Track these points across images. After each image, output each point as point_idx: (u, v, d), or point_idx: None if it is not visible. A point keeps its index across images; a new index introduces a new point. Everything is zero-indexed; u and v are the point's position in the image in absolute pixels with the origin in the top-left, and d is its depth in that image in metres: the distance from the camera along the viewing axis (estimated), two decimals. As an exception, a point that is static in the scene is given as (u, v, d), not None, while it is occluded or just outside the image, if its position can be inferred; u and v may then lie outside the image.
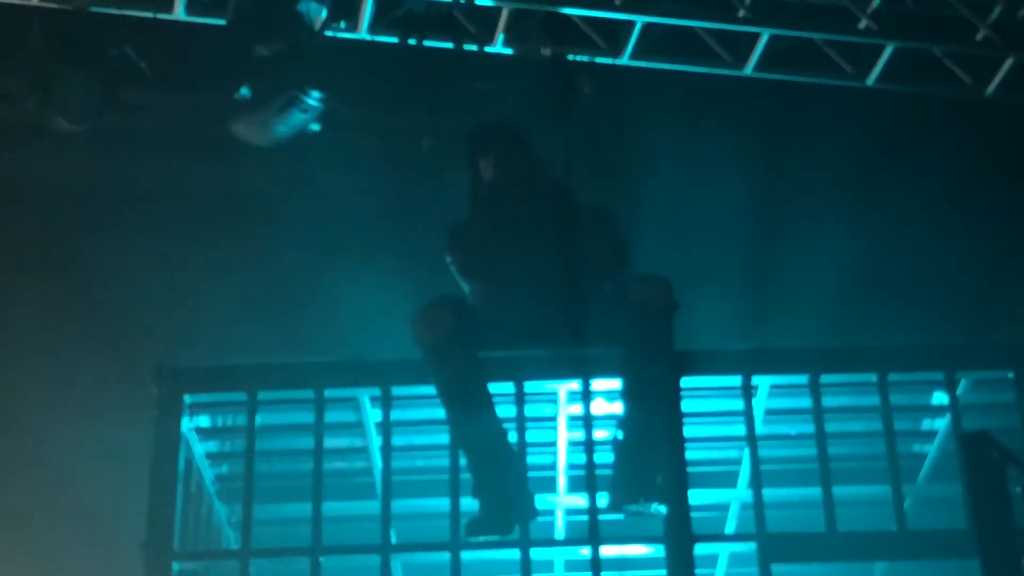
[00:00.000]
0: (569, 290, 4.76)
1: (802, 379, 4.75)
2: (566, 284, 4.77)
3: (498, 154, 5.04)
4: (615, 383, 4.69)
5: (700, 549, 4.53)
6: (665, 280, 4.64)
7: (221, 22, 6.72)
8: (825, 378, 4.74)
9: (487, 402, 4.59)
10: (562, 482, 5.22)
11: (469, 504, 4.56)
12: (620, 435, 4.59)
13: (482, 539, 4.51)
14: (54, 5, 6.69)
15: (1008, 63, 7.23)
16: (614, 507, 4.54)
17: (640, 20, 7.04)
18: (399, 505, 4.74)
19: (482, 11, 7.05)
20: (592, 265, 4.83)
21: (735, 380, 4.75)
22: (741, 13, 7.05)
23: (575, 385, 4.75)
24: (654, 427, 4.57)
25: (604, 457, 4.79)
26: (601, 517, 4.58)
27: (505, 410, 4.65)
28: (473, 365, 4.59)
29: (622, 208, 6.43)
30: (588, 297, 4.74)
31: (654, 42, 7.16)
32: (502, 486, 4.53)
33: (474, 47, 7.06)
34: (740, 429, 4.79)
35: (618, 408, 4.73)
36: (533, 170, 5.07)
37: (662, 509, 4.49)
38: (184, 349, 6.04)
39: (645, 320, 4.57)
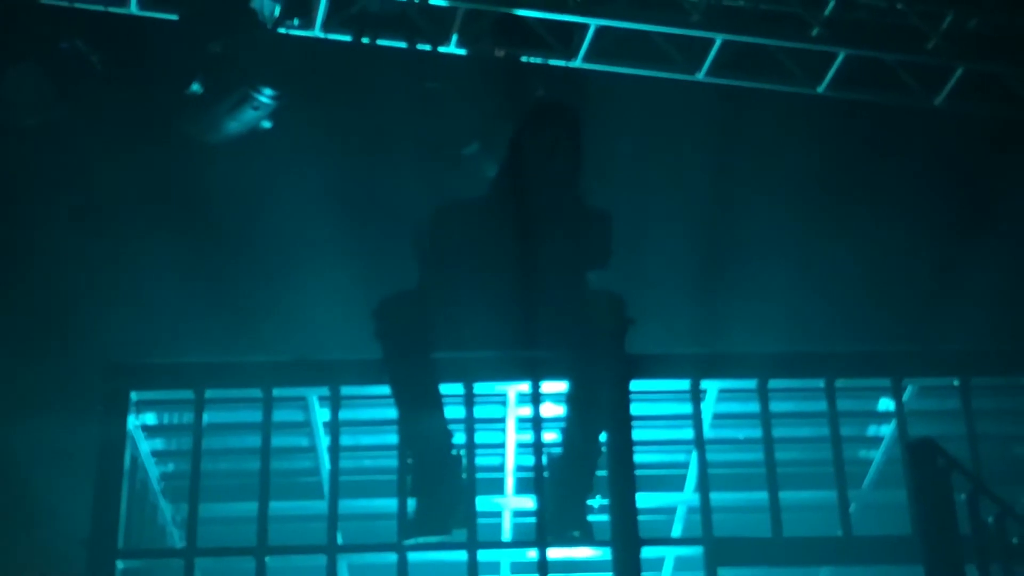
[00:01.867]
0: (529, 294, 4.75)
1: (750, 384, 4.77)
2: (529, 287, 4.76)
3: (550, 143, 4.94)
4: (564, 386, 4.70)
5: (647, 552, 4.54)
6: (619, 299, 4.65)
7: (174, 17, 6.69)
8: (773, 383, 4.76)
9: (437, 402, 4.58)
10: (510, 484, 5.22)
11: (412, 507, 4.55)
12: (558, 450, 4.60)
13: (419, 540, 4.50)
14: (4, -3, 6.65)
15: (958, 72, 7.29)
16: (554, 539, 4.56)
17: (594, 23, 7.05)
18: (346, 505, 4.72)
19: (436, 11, 7.04)
20: (573, 268, 4.84)
21: (684, 384, 4.76)
22: (694, 18, 7.07)
23: (524, 387, 4.75)
24: (592, 442, 4.58)
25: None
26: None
27: (454, 411, 4.64)
28: (429, 363, 4.58)
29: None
30: (548, 304, 4.74)
31: (608, 45, 7.18)
32: (441, 487, 4.52)
33: (428, 47, 7.05)
34: (688, 433, 4.80)
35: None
36: (573, 172, 5.00)
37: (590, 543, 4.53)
38: (131, 345, 6.00)
39: (597, 338, 4.58)
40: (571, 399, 4.62)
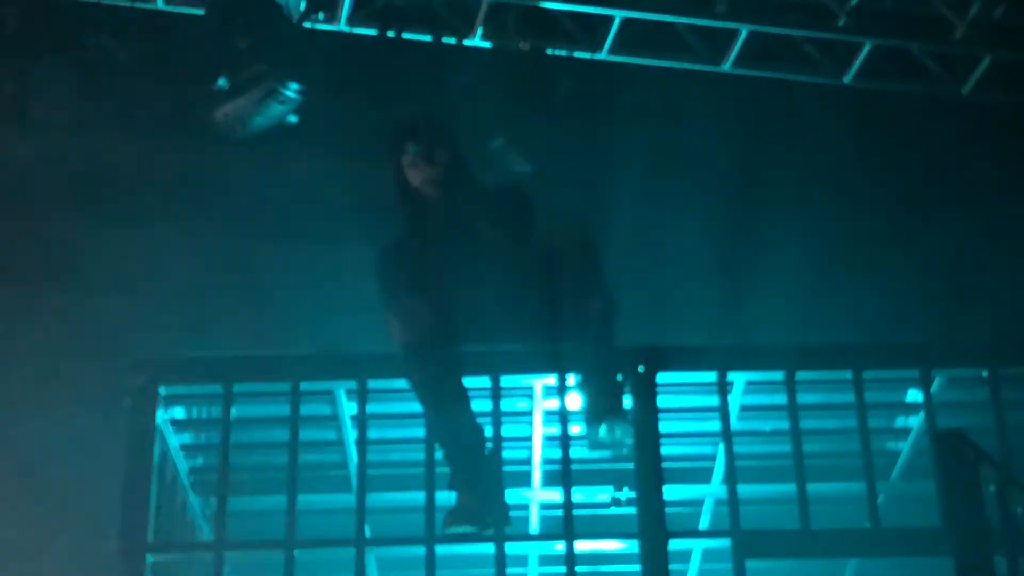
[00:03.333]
0: (523, 287, 4.75)
1: (777, 376, 4.77)
2: (518, 283, 4.75)
3: (425, 155, 4.89)
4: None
5: (674, 545, 4.55)
6: (577, 224, 4.65)
7: (200, 12, 6.70)
8: (800, 375, 4.76)
9: (463, 399, 4.59)
10: (537, 477, 5.23)
11: (444, 498, 4.56)
12: (581, 376, 4.61)
13: (459, 531, 4.51)
14: (32, -8, 6.67)
15: (985, 62, 7.25)
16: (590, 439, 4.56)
17: (619, 15, 7.04)
18: (374, 498, 4.74)
19: (461, 4, 7.04)
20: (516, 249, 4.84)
21: (711, 376, 4.76)
22: (720, 9, 7.06)
23: (551, 380, 4.75)
24: (607, 353, 4.58)
25: (579, 452, 4.80)
26: (576, 512, 4.59)
27: (481, 405, 4.65)
28: (450, 363, 4.59)
29: (597, 203, 6.47)
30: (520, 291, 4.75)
31: (633, 37, 7.16)
32: (479, 480, 4.53)
33: (453, 40, 7.05)
34: (715, 425, 4.81)
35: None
36: (461, 169, 4.98)
37: (628, 438, 4.53)
38: (160, 340, 6.02)
39: (566, 265, 4.58)
40: (574, 336, 4.62)
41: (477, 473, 4.53)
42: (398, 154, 4.91)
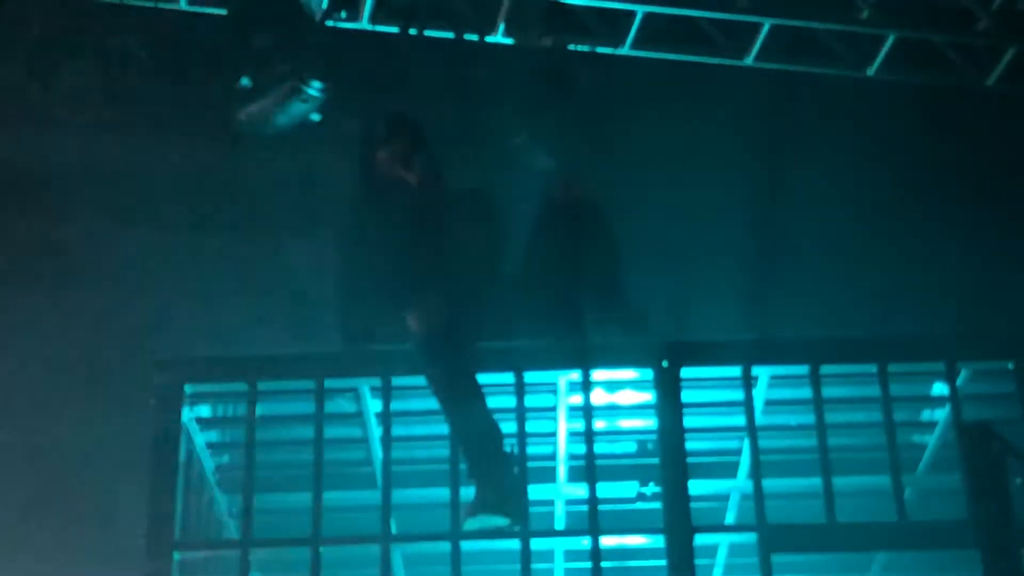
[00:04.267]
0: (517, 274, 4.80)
1: (802, 369, 4.76)
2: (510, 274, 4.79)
3: (402, 158, 4.94)
4: (615, 374, 4.71)
5: (700, 539, 4.55)
6: (574, 175, 4.71)
7: (222, 12, 6.72)
8: (825, 368, 4.75)
9: (477, 394, 4.60)
10: (562, 472, 5.23)
11: (469, 494, 4.56)
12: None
13: (479, 523, 4.51)
14: (55, -7, 6.70)
15: (1009, 53, 7.23)
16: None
17: (641, 10, 7.03)
18: (399, 495, 4.75)
19: (483, 1, 7.05)
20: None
21: (735, 370, 4.75)
22: (742, 3, 7.04)
23: (575, 375, 4.75)
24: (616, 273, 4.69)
25: (604, 448, 4.80)
26: (601, 507, 4.59)
27: (505, 400, 4.65)
28: (464, 358, 4.60)
29: (619, 199, 6.45)
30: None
31: (655, 32, 7.16)
32: (496, 473, 4.53)
33: (475, 37, 7.05)
34: (740, 419, 4.80)
35: (620, 398, 4.79)
36: (435, 172, 4.98)
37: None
38: (185, 339, 6.04)
39: (569, 212, 4.67)
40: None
41: (494, 466, 4.52)
42: (373, 155, 4.94)
